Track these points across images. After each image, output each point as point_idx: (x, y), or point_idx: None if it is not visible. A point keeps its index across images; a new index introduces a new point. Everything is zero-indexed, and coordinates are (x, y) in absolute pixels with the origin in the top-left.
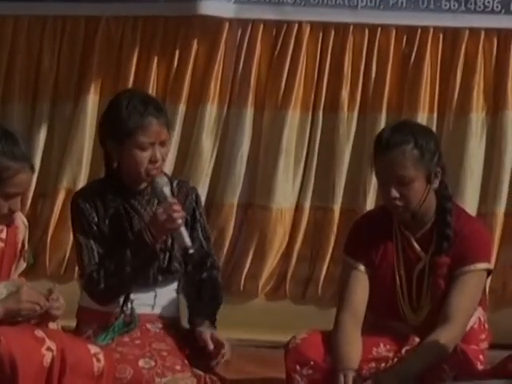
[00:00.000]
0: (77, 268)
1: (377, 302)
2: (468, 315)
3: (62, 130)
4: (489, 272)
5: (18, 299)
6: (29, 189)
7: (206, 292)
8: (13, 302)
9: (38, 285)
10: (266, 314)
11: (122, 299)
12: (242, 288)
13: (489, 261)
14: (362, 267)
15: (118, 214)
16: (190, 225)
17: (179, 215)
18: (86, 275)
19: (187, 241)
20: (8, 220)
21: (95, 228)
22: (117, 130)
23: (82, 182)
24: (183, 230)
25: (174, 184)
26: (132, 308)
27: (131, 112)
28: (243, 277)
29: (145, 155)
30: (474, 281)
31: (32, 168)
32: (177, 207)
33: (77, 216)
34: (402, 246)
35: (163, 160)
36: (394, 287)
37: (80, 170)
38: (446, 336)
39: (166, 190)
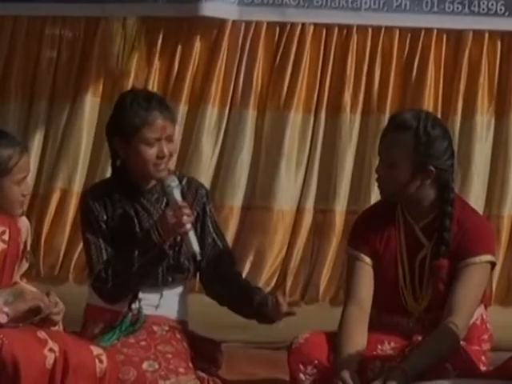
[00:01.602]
0: (72, 269)
1: (380, 292)
2: (473, 308)
3: (58, 130)
4: (493, 265)
5: (24, 299)
6: (30, 169)
7: (246, 284)
8: (20, 302)
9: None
10: None
11: (129, 298)
12: None
13: (492, 253)
14: (366, 258)
15: (127, 212)
16: (201, 220)
17: (189, 220)
18: (95, 274)
19: (195, 247)
20: (23, 206)
21: (104, 226)
22: (123, 128)
23: (77, 183)
24: (192, 234)
25: (184, 182)
26: (139, 307)
27: (135, 109)
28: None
29: (152, 151)
30: (478, 273)
31: (27, 149)
32: (187, 211)
33: (86, 214)
34: (405, 234)
35: (171, 155)
36: (396, 275)
37: (75, 171)
38: (452, 330)
39: (177, 193)
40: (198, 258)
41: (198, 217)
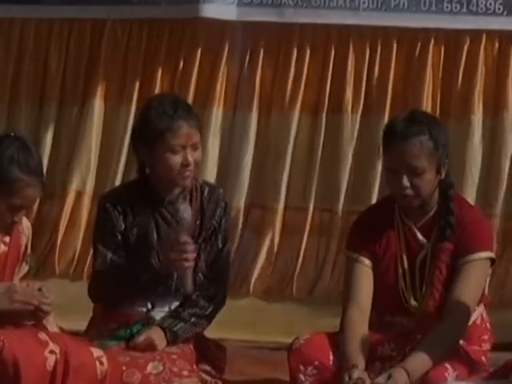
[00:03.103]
0: (86, 267)
1: (381, 293)
2: (473, 305)
3: (68, 132)
4: (492, 261)
5: (10, 298)
6: (34, 204)
7: (190, 308)
8: (5, 299)
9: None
10: (271, 314)
11: (149, 304)
12: (251, 289)
13: (491, 250)
14: (365, 260)
15: (147, 222)
16: (215, 233)
17: (190, 257)
18: (92, 279)
19: (189, 286)
20: (9, 230)
21: (119, 237)
22: (147, 134)
23: (90, 184)
24: (189, 272)
25: (205, 192)
26: (153, 316)
27: (161, 115)
28: (251, 278)
29: (177, 159)
30: (478, 270)
31: (42, 184)
32: (190, 248)
33: (102, 220)
34: (404, 235)
35: (196, 163)
36: (397, 276)
37: (88, 172)
38: (452, 328)
39: (187, 224)
40: (188, 294)
41: (214, 230)
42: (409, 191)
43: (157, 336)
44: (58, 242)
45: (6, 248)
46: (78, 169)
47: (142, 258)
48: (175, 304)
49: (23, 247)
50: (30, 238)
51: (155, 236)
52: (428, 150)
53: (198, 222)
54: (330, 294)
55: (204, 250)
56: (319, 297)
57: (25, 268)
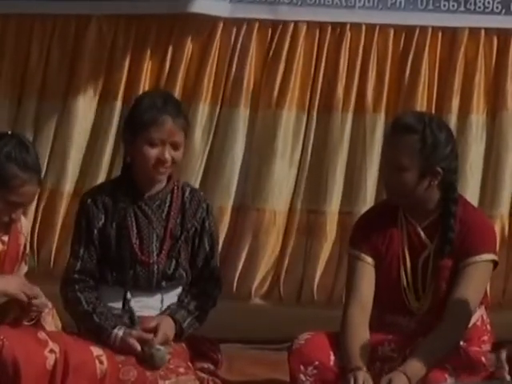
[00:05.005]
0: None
1: (382, 291)
2: (474, 307)
3: (48, 130)
4: (495, 264)
5: (7, 282)
6: (33, 201)
7: (194, 301)
8: (3, 282)
9: None
10: (260, 316)
11: (128, 294)
12: (234, 290)
13: (494, 252)
14: (368, 258)
15: (127, 218)
16: (199, 235)
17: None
18: (63, 280)
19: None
20: (8, 229)
21: (96, 232)
22: (133, 122)
23: (68, 184)
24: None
25: (187, 193)
26: (131, 308)
27: (149, 107)
28: (236, 279)
29: (153, 152)
30: (480, 272)
31: (39, 181)
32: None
33: (80, 217)
34: (408, 234)
35: (174, 163)
36: (399, 275)
37: (65, 172)
38: (452, 330)
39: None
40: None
41: (196, 232)
42: (388, 184)
43: (168, 327)
44: (35, 242)
45: (5, 247)
46: (54, 167)
47: (123, 250)
48: (158, 297)
49: (22, 247)
50: (29, 237)
51: (135, 230)
52: (413, 150)
53: (178, 221)
54: (320, 296)
55: (184, 249)
56: (307, 299)
57: (24, 268)
